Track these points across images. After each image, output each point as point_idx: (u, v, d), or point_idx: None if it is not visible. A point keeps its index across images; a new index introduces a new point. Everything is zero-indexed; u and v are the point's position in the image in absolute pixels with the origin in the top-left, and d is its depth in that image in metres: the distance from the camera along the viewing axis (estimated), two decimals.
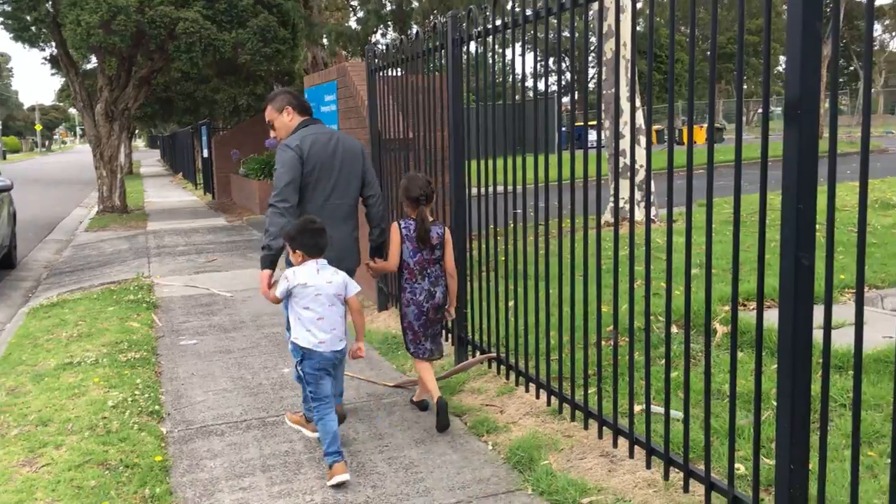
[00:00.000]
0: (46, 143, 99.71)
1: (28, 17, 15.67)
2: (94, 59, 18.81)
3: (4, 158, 66.30)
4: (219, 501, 3.67)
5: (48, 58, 22.42)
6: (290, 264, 4.09)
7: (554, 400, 4.43)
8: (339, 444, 3.84)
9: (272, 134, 4.54)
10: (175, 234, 14.33)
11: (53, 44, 17.63)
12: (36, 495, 3.67)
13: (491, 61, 5.20)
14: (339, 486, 3.75)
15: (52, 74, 24.92)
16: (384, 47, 6.87)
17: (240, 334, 6.76)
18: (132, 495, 3.67)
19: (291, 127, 4.48)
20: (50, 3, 15.54)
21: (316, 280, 3.89)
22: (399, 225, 4.53)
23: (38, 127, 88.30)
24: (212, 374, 5.61)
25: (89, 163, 21.37)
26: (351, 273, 4.34)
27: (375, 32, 17.55)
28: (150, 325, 7.06)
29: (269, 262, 4.22)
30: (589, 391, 4.23)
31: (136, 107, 18.55)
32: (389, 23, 17.11)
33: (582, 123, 4.48)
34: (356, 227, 4.60)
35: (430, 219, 4.55)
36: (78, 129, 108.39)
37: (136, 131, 60.72)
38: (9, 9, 15.84)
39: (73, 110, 63.31)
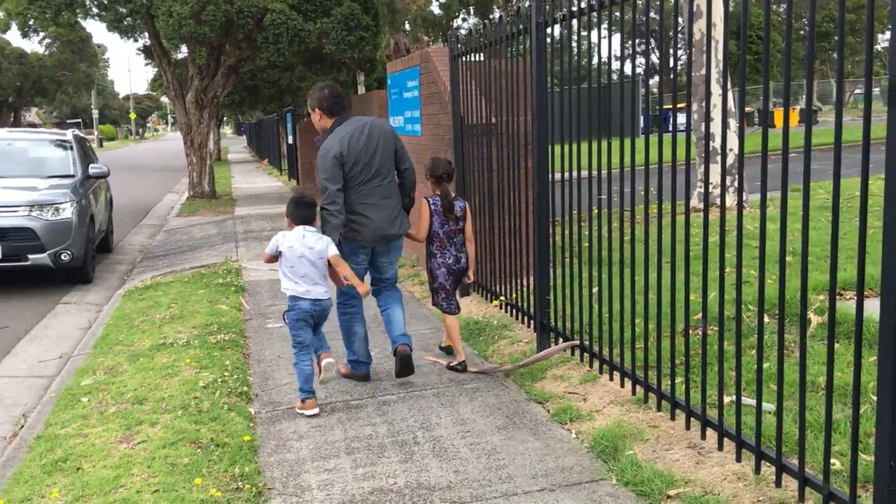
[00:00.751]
0: (140, 130, 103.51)
1: (123, 9, 16.23)
2: (184, 49, 19.40)
3: (101, 146, 69.10)
4: (305, 482, 3.75)
5: (142, 48, 23.25)
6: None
7: (639, 389, 4.35)
8: (311, 385, 4.66)
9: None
10: (261, 220, 14.67)
11: (147, 35, 18.23)
12: (133, 471, 3.82)
13: (575, 44, 5.11)
14: (313, 417, 4.52)
15: (146, 64, 25.85)
16: (467, 32, 6.84)
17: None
18: (223, 473, 3.78)
19: (323, 127, 4.95)
20: None
21: (299, 244, 4.58)
22: (428, 201, 5.25)
23: (133, 115, 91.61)
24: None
25: (180, 150, 22.05)
26: (394, 249, 5.19)
27: (457, 17, 17.53)
28: (238, 308, 7.25)
29: (335, 241, 4.77)
30: (676, 381, 4.13)
31: (224, 95, 19.04)
32: (471, 7, 17.04)
33: (669, 107, 4.36)
34: (398, 203, 5.12)
35: (452, 194, 5.25)
36: (169, 118, 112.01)
37: (224, 119, 62.38)
38: (105, 1, 16.44)
39: (164, 99, 65.40)
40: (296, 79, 27.25)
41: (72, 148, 10.67)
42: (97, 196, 10.97)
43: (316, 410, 4.62)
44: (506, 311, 6.24)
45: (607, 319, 4.64)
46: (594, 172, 4.74)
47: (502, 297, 6.22)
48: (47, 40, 45.13)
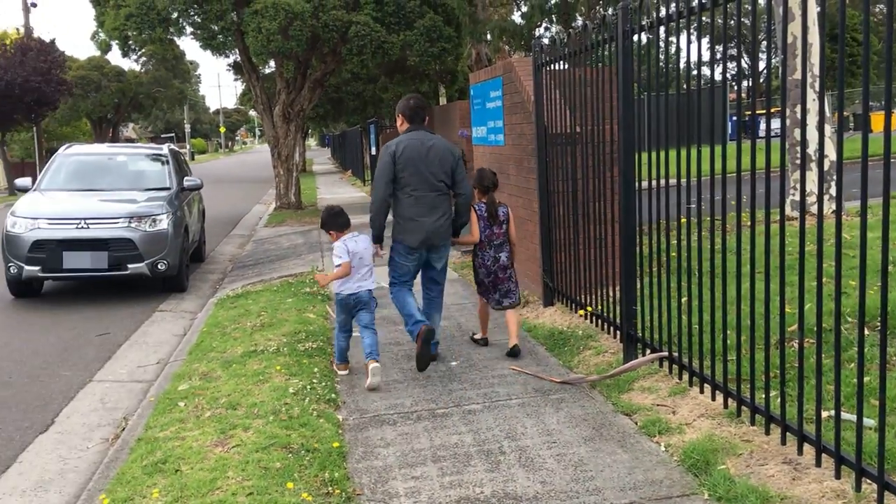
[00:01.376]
0: (229, 143, 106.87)
1: (215, 27, 16.82)
2: (272, 64, 19.96)
3: (193, 159, 71.65)
4: (393, 489, 3.80)
5: (232, 64, 24.01)
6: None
7: (731, 402, 4.24)
8: (346, 356, 5.70)
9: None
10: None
11: (237, 51, 18.84)
12: (228, 473, 3.94)
13: (663, 51, 5.04)
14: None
15: (235, 80, 26.69)
16: (551, 42, 6.82)
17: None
18: (313, 478, 3.86)
19: (401, 131, 5.68)
20: (234, 13, 16.60)
21: (358, 248, 5.45)
22: (475, 208, 5.90)
23: (223, 129, 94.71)
24: (383, 365, 5.79)
25: (267, 161, 22.65)
26: (443, 249, 5.73)
27: (539, 27, 17.49)
28: (324, 317, 7.39)
29: (378, 238, 5.68)
30: (770, 394, 4.01)
31: (310, 108, 19.50)
32: (553, 16, 16.99)
33: (762, 112, 4.26)
34: (444, 213, 5.61)
35: (497, 201, 5.96)
36: (257, 130, 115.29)
37: (309, 131, 63.81)
38: (199, 20, 17.06)
39: (252, 112, 67.24)
40: (378, 90, 27.68)
41: (167, 162, 11.11)
42: (191, 207, 11.38)
43: (346, 372, 5.66)
44: (591, 322, 6.18)
45: (697, 330, 4.55)
46: (682, 180, 4.66)
47: (588, 308, 6.16)
48: (143, 58, 47.16)
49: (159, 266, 9.41)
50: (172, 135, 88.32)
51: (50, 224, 9.18)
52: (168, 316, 8.79)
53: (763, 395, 3.99)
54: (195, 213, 11.82)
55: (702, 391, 4.53)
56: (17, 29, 37.51)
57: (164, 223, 9.53)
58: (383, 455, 4.20)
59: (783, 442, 3.81)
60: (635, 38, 5.11)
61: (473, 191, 5.89)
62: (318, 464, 4.01)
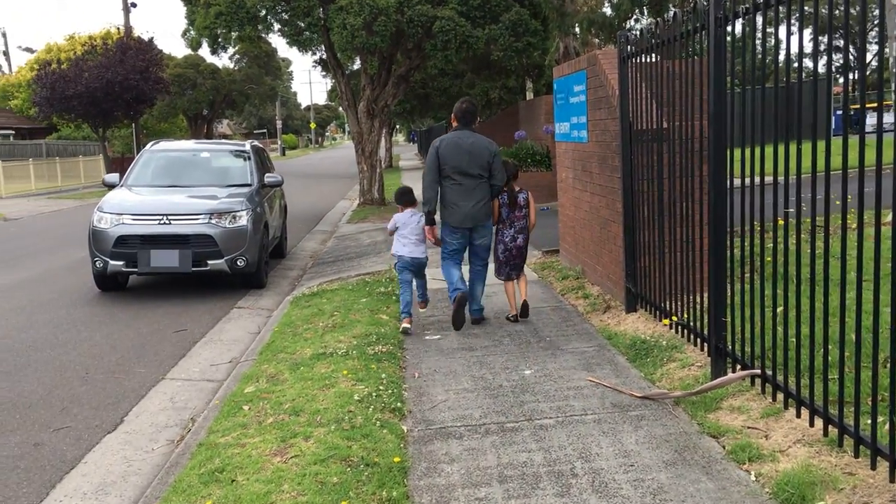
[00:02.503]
0: (319, 139, 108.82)
1: (302, 23, 16.93)
2: (358, 61, 19.99)
3: (284, 154, 73.27)
4: None
5: (318, 61, 24.23)
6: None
7: (832, 429, 3.81)
8: (409, 309, 6.80)
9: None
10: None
11: (323, 47, 18.94)
12: (283, 487, 3.77)
13: (759, 41, 4.62)
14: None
15: (324, 76, 26.92)
16: (637, 32, 6.43)
17: (482, 331, 6.68)
18: (370, 496, 3.65)
19: (453, 128, 6.76)
20: (321, 9, 16.67)
21: (408, 219, 6.86)
22: (498, 197, 6.79)
23: (313, 125, 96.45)
24: (453, 372, 5.56)
25: (354, 157, 22.77)
26: (483, 228, 6.70)
27: (629, 18, 16.88)
28: (397, 319, 7.20)
29: (430, 221, 6.71)
30: (878, 420, 3.57)
31: (394, 103, 19.44)
32: (645, 8, 16.39)
33: (872, 105, 3.81)
34: (481, 199, 6.60)
35: (517, 189, 6.88)
36: (346, 126, 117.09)
37: (397, 126, 64.27)
38: (286, 17, 17.21)
39: (341, 109, 68.33)
40: (465, 86, 27.48)
41: (249, 158, 11.16)
42: (272, 204, 11.40)
43: (408, 326, 6.70)
44: (675, 331, 5.78)
45: (794, 345, 4.12)
46: (780, 178, 4.24)
47: (674, 317, 5.75)
48: (237, 56, 48.34)
49: (238, 262, 9.43)
50: (265, 131, 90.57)
51: (134, 220, 9.31)
52: (245, 313, 8.78)
53: (869, 422, 3.56)
54: (276, 209, 11.85)
55: (798, 415, 4.11)
56: (118, 28, 38.95)
57: (244, 220, 9.54)
58: (447, 472, 3.95)
59: (892, 479, 3.38)
60: (728, 26, 4.71)
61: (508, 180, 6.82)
62: (376, 480, 3.79)
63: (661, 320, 6.09)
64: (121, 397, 5.89)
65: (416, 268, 6.88)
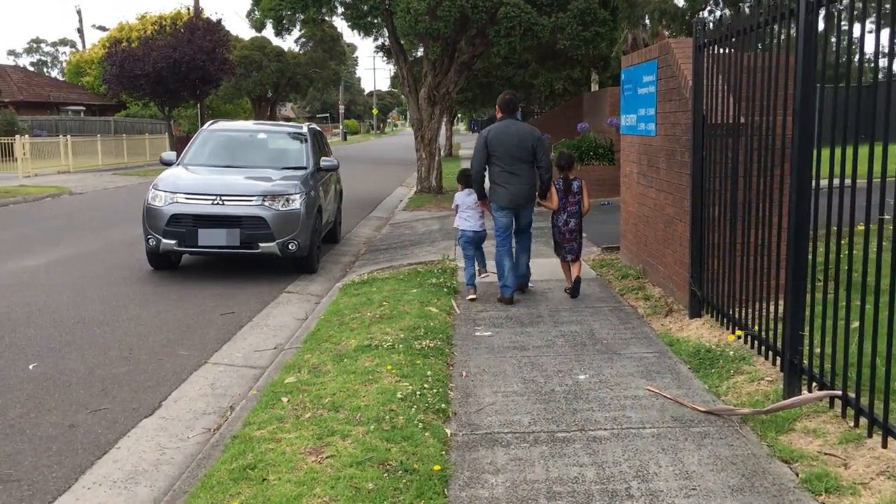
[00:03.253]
0: (380, 125, 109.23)
1: (364, 7, 16.74)
2: (420, 47, 19.74)
3: (345, 139, 73.61)
4: None
5: (380, 46, 24.11)
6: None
7: None
8: (473, 281, 7.59)
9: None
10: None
11: (386, 32, 18.74)
12: (315, 490, 3.54)
13: (857, 30, 4.19)
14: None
15: (386, 63, 26.76)
16: (716, 20, 6.00)
17: (536, 330, 6.37)
18: None
19: (498, 118, 7.37)
20: None
21: (466, 198, 7.56)
22: (554, 183, 7.42)
23: (375, 111, 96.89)
24: (503, 373, 5.27)
25: (413, 144, 22.58)
26: (526, 209, 7.40)
27: (703, 9, 16.25)
28: (448, 312, 6.94)
29: (480, 196, 7.46)
30: None
31: (455, 91, 19.13)
32: None
33: None
34: (525, 181, 7.19)
35: (572, 176, 7.46)
36: (407, 113, 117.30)
37: (458, 115, 63.96)
38: (349, 0, 17.07)
39: (402, 95, 68.48)
40: (529, 76, 27.03)
41: (306, 140, 10.99)
42: (327, 188, 11.24)
43: (473, 296, 7.43)
44: (745, 342, 5.38)
45: (884, 364, 3.72)
46: (872, 179, 3.82)
47: (739, 332, 5.35)
48: (302, 40, 48.54)
49: (290, 246, 9.28)
50: (327, 115, 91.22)
51: (187, 198, 9.22)
52: (294, 298, 8.62)
53: None
54: (331, 193, 11.69)
55: (884, 445, 3.71)
56: (188, 9, 39.45)
57: (297, 203, 9.38)
58: (490, 484, 3.67)
59: None
60: (821, 12, 4.29)
61: (556, 167, 7.51)
62: (415, 488, 3.53)
63: (727, 328, 5.70)
64: (161, 380, 5.75)
65: (477, 240, 7.65)
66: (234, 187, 9.40)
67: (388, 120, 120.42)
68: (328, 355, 5.66)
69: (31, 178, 25.98)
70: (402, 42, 17.93)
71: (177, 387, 5.64)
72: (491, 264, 7.81)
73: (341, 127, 78.10)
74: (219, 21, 35.47)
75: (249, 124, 12.26)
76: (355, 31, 17.78)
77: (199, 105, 36.73)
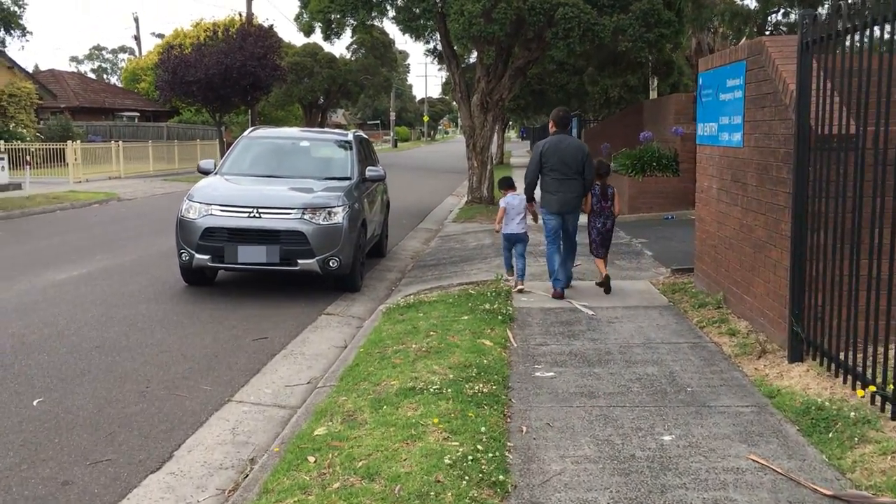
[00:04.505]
0: (431, 132, 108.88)
1: (417, 10, 16.07)
2: (473, 53, 18.99)
3: (395, 146, 73.29)
4: None
5: (432, 50, 23.40)
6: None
7: None
8: (514, 271, 8.38)
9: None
10: (538, 231, 13.61)
11: (438, 35, 18.03)
12: None
13: None
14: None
15: (439, 69, 26.20)
16: (831, 11, 5.09)
17: (605, 371, 5.52)
18: None
19: (552, 132, 8.05)
20: None
21: (512, 201, 8.20)
22: (592, 189, 8.02)
23: (426, 118, 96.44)
24: (571, 429, 4.44)
25: (465, 152, 21.87)
26: (573, 216, 7.99)
27: (777, 12, 15.21)
28: (503, 345, 6.13)
29: (530, 198, 8.14)
30: None
31: (509, 98, 18.34)
32: None
33: None
34: (573, 190, 7.85)
35: (608, 184, 8.22)
36: (458, 120, 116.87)
37: (510, 123, 63.13)
38: (401, 2, 16.40)
39: (454, 102, 67.99)
40: (585, 82, 26.07)
41: (351, 149, 10.29)
42: (373, 199, 10.54)
43: (513, 279, 8.38)
44: (870, 400, 4.46)
45: None
46: None
47: (872, 387, 4.42)
48: (353, 46, 48.28)
49: (331, 263, 8.57)
50: (378, 122, 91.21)
51: (222, 211, 8.58)
52: (334, 321, 7.90)
53: None
54: (377, 205, 10.98)
55: None
56: (240, 14, 39.35)
57: (339, 216, 8.67)
58: None
59: None
60: None
61: (595, 175, 8.06)
62: None
63: (840, 377, 4.78)
64: (177, 422, 5.05)
65: (514, 241, 8.29)
66: (273, 199, 8.72)
67: (439, 127, 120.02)
68: (366, 399, 4.89)
69: (82, 184, 25.90)
70: (455, 46, 17.18)
71: (194, 431, 4.93)
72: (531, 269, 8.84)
73: (392, 134, 77.84)
74: (270, 27, 35.28)
75: (292, 131, 11.63)
76: (407, 36, 17.25)
77: (250, 111, 36.57)
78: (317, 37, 48.08)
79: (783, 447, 4.12)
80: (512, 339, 6.33)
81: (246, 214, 8.49)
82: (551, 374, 5.47)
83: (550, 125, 8.13)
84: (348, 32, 19.34)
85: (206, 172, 9.88)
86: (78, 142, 28.54)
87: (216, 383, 5.83)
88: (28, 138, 31.26)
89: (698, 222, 8.18)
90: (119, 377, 5.89)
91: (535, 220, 8.38)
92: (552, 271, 8.02)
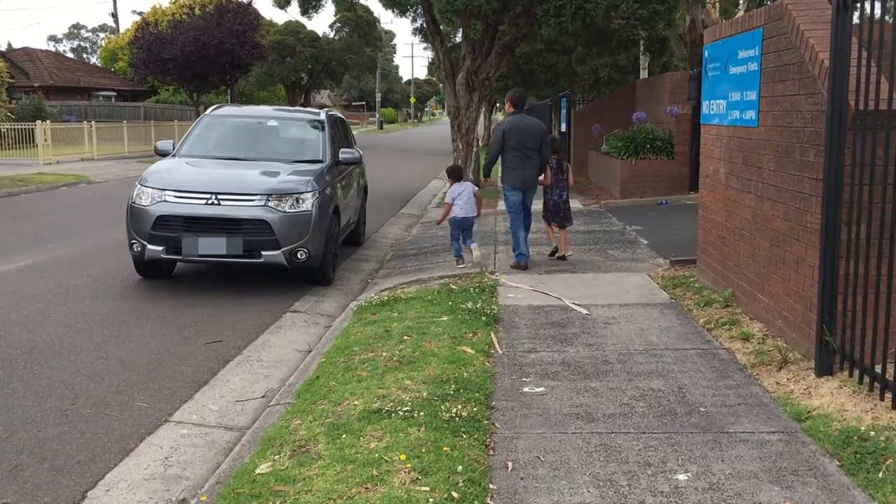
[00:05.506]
0: (418, 114, 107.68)
1: None
2: (459, 34, 18.08)
3: (381, 128, 72.18)
4: None
5: (419, 29, 22.52)
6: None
7: None
8: (461, 254, 8.71)
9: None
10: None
11: (421, 10, 17.14)
12: None
13: None
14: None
15: (424, 49, 25.24)
16: None
17: (604, 385, 4.77)
18: None
19: (509, 112, 8.48)
20: None
21: (460, 189, 8.62)
22: (550, 163, 8.71)
23: (412, 99, 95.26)
24: (566, 465, 3.68)
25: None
26: (531, 191, 8.56)
27: None
28: (486, 353, 5.36)
29: (486, 174, 8.98)
30: None
31: (496, 77, 17.49)
32: None
33: None
34: (533, 167, 8.33)
35: (563, 158, 9.17)
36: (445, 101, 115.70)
37: (497, 105, 62.14)
38: None
39: (439, 81, 66.92)
40: (574, 62, 25.23)
41: (323, 129, 9.45)
42: (348, 184, 9.73)
43: (462, 266, 8.50)
44: None
45: None
46: None
47: None
48: (337, 24, 47.11)
49: (298, 255, 7.78)
50: (363, 103, 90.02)
51: (177, 197, 7.75)
52: (300, 320, 7.12)
53: None
54: (353, 190, 10.17)
55: None
56: None
57: (308, 203, 7.87)
58: None
59: None
60: None
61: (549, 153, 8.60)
62: None
63: (883, 398, 4.04)
64: (99, 451, 4.27)
65: (468, 225, 8.62)
66: (234, 184, 7.90)
67: (426, 109, 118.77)
68: (323, 424, 4.12)
69: (52, 166, 24.90)
70: (439, 20, 16.30)
71: (118, 462, 4.15)
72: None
73: (377, 115, 76.72)
74: (249, 3, 34.20)
75: (260, 109, 10.80)
76: (391, 13, 16.23)
77: (229, 91, 35.54)
78: (295, 11, 46.68)
79: (824, 490, 3.38)
80: (497, 345, 5.57)
81: (203, 201, 7.67)
82: (541, 389, 4.71)
83: (507, 106, 8.58)
84: (330, 9, 18.42)
85: (163, 154, 9.02)
86: (48, 122, 27.42)
87: (154, 398, 5.05)
88: None
89: (702, 210, 7.43)
90: (42, 391, 5.09)
91: (480, 205, 8.89)
92: (517, 244, 8.40)
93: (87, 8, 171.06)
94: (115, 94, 44.64)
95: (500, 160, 8.43)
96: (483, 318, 6.18)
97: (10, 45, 66.41)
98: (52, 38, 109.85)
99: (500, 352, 5.45)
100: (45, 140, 26.07)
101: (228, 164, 8.61)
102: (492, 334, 5.80)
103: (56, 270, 8.72)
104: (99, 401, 4.97)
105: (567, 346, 5.58)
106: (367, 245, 11.24)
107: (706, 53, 7.33)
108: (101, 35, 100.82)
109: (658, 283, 7.52)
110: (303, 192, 7.90)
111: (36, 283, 8.11)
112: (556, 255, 8.86)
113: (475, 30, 15.57)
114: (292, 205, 7.79)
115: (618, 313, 6.47)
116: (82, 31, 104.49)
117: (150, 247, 7.70)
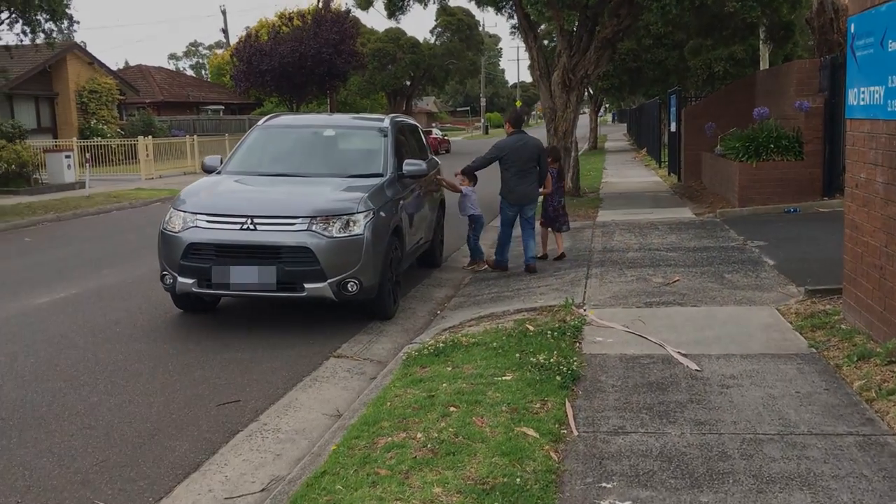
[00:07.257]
0: (525, 118, 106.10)
1: None
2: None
3: (486, 133, 71.12)
4: None
5: (516, 26, 21.16)
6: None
7: None
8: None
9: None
10: (626, 231, 11.30)
11: (514, 6, 15.82)
12: None
13: None
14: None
15: (525, 50, 23.87)
16: None
17: (719, 501, 3.29)
18: None
19: (508, 133, 8.94)
20: None
21: (468, 191, 9.39)
22: (551, 172, 9.19)
23: (518, 103, 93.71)
24: None
25: None
26: (531, 203, 8.91)
27: None
28: (555, 436, 3.98)
29: (466, 172, 9.41)
30: None
31: (595, 74, 15.95)
32: None
33: None
34: (531, 183, 8.73)
35: (557, 167, 9.61)
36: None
37: (606, 106, 59.96)
38: None
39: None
40: (687, 54, 23.26)
41: (386, 136, 8.25)
42: (419, 201, 8.50)
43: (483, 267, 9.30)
44: None
45: None
46: None
47: None
48: (438, 29, 46.28)
49: (349, 286, 6.60)
50: (469, 108, 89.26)
51: (210, 222, 6.72)
52: (342, 368, 5.92)
53: None
54: (425, 207, 8.92)
55: None
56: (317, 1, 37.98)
57: (360, 226, 6.69)
58: None
59: None
60: None
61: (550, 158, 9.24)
62: None
63: None
64: None
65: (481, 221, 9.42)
66: (273, 205, 6.82)
67: (533, 112, 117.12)
68: None
69: (153, 181, 24.99)
70: (530, 11, 14.91)
71: None
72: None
73: (483, 120, 75.71)
74: (347, 12, 33.75)
75: (317, 118, 9.74)
76: (481, 8, 14.91)
77: (329, 101, 35.20)
78: (382, 14, 46.10)
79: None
80: (572, 423, 4.17)
81: (238, 226, 6.60)
82: (629, 503, 3.30)
83: (506, 126, 8.92)
84: (423, 13, 17.38)
85: (209, 171, 8.08)
86: (150, 137, 27.64)
87: (125, 492, 3.93)
88: (109, 134, 30.72)
89: (850, 229, 5.77)
90: None
91: (453, 190, 9.51)
92: (502, 249, 9.06)
93: (201, 23, 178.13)
94: (223, 107, 45.31)
95: (501, 178, 8.74)
96: (558, 377, 4.78)
97: (127, 62, 69.21)
98: (172, 56, 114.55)
99: (576, 433, 4.04)
100: (148, 155, 26.20)
101: (274, 181, 7.55)
102: (567, 404, 4.41)
103: (93, 304, 7.87)
104: (56, 494, 3.89)
105: (669, 425, 4.12)
106: (445, 267, 9.99)
107: (852, 28, 5.68)
108: (219, 52, 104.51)
109: (791, 323, 5.92)
110: (354, 213, 6.72)
111: (63, 320, 7.25)
112: (553, 258, 9.31)
113: (569, 21, 14.10)
114: (341, 228, 6.63)
115: (738, 369, 4.94)
116: (200, 48, 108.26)
117: (180, 279, 6.69)
